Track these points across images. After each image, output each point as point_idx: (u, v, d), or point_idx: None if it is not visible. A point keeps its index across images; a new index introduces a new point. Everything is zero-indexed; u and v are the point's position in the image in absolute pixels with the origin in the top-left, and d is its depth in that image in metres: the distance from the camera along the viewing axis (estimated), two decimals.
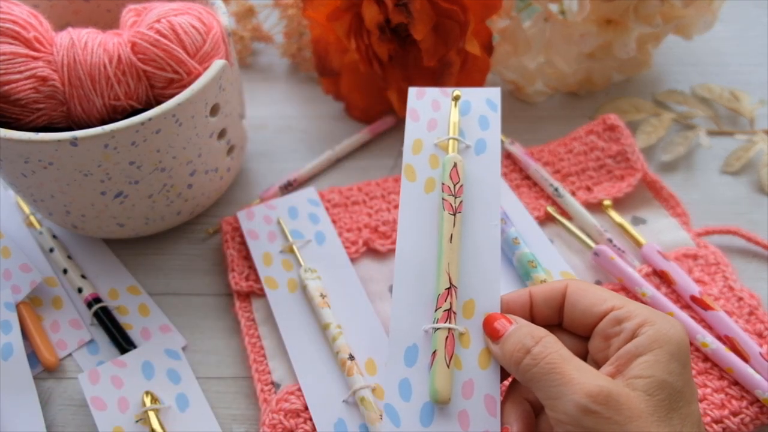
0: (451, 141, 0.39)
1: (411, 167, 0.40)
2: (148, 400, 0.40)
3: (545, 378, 0.30)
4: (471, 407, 0.34)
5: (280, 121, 0.59)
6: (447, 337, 0.34)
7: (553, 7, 0.55)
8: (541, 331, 0.32)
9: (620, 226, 0.49)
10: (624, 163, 0.51)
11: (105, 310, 0.45)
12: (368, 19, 0.50)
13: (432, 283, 0.36)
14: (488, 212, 0.38)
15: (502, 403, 0.34)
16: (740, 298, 0.44)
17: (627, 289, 0.45)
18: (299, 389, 0.41)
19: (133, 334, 0.45)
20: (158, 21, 0.42)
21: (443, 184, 0.38)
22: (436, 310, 0.35)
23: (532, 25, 0.56)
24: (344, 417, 0.40)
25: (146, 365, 0.42)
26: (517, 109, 0.60)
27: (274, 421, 0.40)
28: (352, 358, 0.41)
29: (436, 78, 0.54)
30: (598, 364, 0.32)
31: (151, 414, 0.40)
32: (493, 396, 0.34)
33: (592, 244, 0.47)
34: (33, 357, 0.43)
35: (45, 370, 0.43)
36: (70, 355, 0.44)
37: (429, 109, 0.41)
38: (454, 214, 0.37)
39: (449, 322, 0.34)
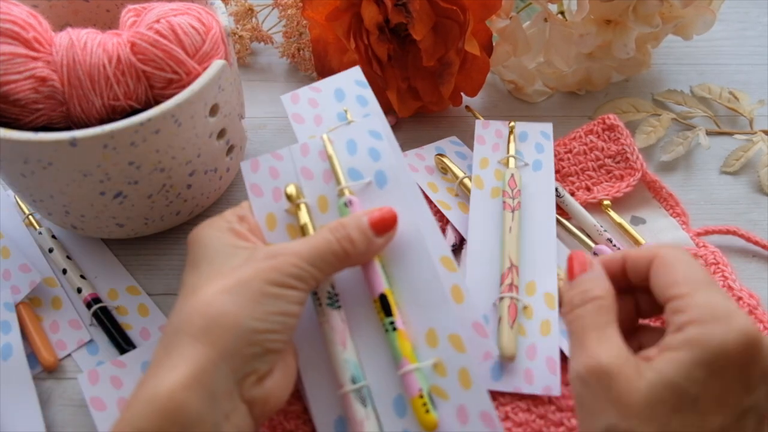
0: (510, 158, 0.50)
1: (479, 178, 0.50)
2: None
3: (574, 336, 0.32)
4: (535, 367, 0.40)
5: (280, 121, 0.59)
6: (509, 305, 0.42)
7: (553, 7, 0.55)
8: (596, 291, 0.33)
9: (619, 225, 0.49)
10: (623, 163, 0.51)
11: (104, 311, 0.45)
12: (368, 19, 0.50)
13: (497, 267, 0.44)
14: (545, 213, 0.47)
15: None
16: (740, 298, 0.44)
17: None
18: (297, 391, 0.41)
19: (133, 334, 0.45)
20: (157, 21, 0.42)
21: (503, 190, 0.48)
22: (500, 285, 0.43)
23: (532, 25, 0.56)
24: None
25: (145, 366, 0.42)
26: (517, 109, 0.60)
27: (274, 422, 0.40)
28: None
29: (435, 78, 0.54)
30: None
31: None
32: (553, 358, 0.41)
33: (592, 244, 0.47)
34: (32, 357, 0.43)
35: (44, 370, 0.43)
36: (69, 355, 0.44)
37: (493, 136, 0.52)
38: (513, 212, 0.47)
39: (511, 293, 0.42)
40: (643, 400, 0.29)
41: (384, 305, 0.37)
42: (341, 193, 0.39)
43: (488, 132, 0.52)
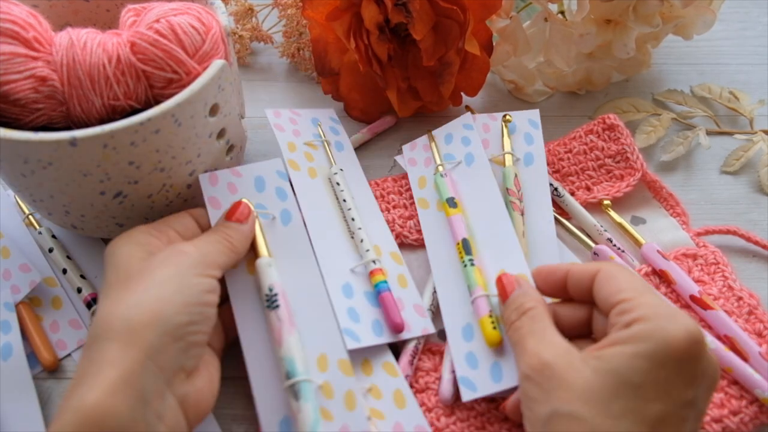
0: (506, 155, 0.50)
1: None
2: None
3: (515, 346, 0.36)
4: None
5: None
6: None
7: (553, 7, 0.55)
8: (530, 302, 0.37)
9: (620, 225, 0.49)
10: (623, 162, 0.51)
11: None
12: (368, 19, 0.50)
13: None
14: (543, 214, 0.47)
15: None
16: (740, 298, 0.44)
17: None
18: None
19: None
20: (157, 21, 0.42)
21: (508, 189, 0.48)
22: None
23: (532, 24, 0.56)
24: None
25: None
26: (517, 109, 0.59)
27: None
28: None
29: (435, 78, 0.54)
30: None
31: None
32: None
33: (592, 244, 0.47)
34: (32, 357, 0.43)
35: (44, 370, 0.43)
36: (69, 355, 0.44)
37: (480, 131, 0.52)
38: (522, 214, 0.47)
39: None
40: (586, 385, 0.31)
41: (465, 247, 0.45)
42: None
43: (476, 126, 0.52)
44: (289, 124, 0.52)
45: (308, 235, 0.45)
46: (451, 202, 0.47)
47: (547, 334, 0.35)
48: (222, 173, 0.45)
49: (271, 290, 0.40)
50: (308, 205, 0.47)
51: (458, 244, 0.45)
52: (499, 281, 0.40)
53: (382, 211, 0.50)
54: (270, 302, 0.40)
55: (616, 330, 0.33)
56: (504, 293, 0.39)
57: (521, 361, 0.35)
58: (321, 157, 0.51)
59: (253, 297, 0.42)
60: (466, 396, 0.39)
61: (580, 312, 0.38)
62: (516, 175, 0.48)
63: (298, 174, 0.49)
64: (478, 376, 0.40)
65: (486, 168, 0.49)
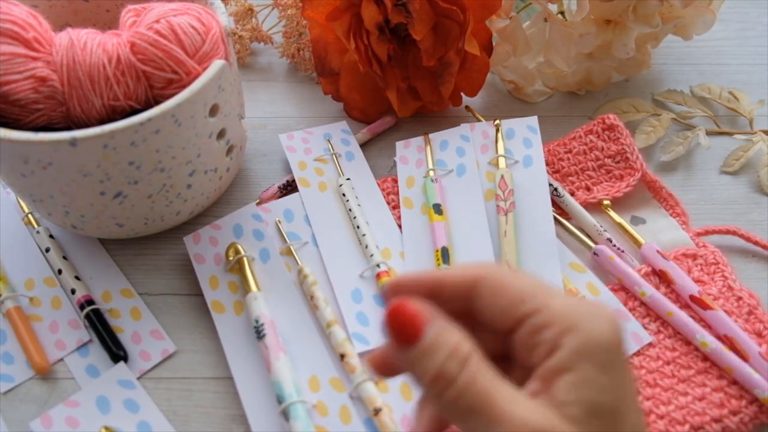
0: (499, 158, 0.50)
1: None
2: None
3: (473, 413, 0.25)
4: None
5: (280, 121, 0.59)
6: None
7: (553, 7, 0.55)
8: (465, 346, 0.26)
9: (619, 225, 0.49)
10: (623, 162, 0.51)
11: (97, 313, 0.45)
12: (367, 19, 0.50)
13: None
14: (542, 211, 0.47)
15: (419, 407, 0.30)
16: (739, 298, 0.44)
17: (626, 289, 0.45)
18: None
19: (124, 338, 0.44)
20: (157, 21, 0.42)
21: (495, 193, 0.49)
22: None
23: (532, 25, 0.56)
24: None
25: (100, 401, 0.41)
26: (517, 109, 0.60)
27: None
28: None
29: (435, 78, 0.54)
30: (523, 370, 0.27)
31: None
32: None
33: (592, 244, 0.47)
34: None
35: (37, 374, 0.43)
36: (68, 356, 0.44)
37: (480, 137, 0.53)
38: (506, 215, 0.47)
39: None
40: None
41: (444, 255, 0.45)
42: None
43: (475, 134, 0.53)
44: (301, 144, 0.54)
45: (320, 253, 0.48)
46: (437, 209, 0.48)
47: (506, 387, 0.25)
48: (204, 230, 0.48)
49: (257, 321, 0.42)
50: (317, 219, 0.49)
51: (437, 251, 0.46)
52: (393, 316, 0.26)
53: None
54: (258, 333, 0.42)
55: (546, 353, 0.26)
56: (406, 334, 0.26)
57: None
58: (331, 170, 0.53)
59: (242, 336, 0.43)
60: None
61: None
62: (503, 177, 0.49)
63: (308, 190, 0.51)
64: None
65: (476, 182, 0.50)
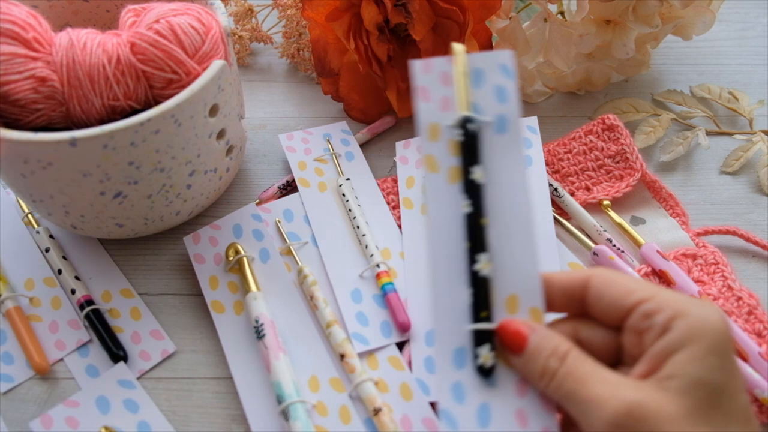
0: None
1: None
2: None
3: (572, 398, 0.29)
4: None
5: (280, 121, 0.59)
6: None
7: (553, 7, 0.55)
8: (564, 346, 0.30)
9: (619, 225, 0.49)
10: (623, 163, 0.51)
11: (97, 313, 0.45)
12: (367, 20, 0.50)
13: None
14: (541, 211, 0.45)
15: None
16: (739, 298, 0.44)
17: None
18: None
19: (124, 338, 0.44)
20: (157, 21, 0.42)
21: None
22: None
23: (531, 25, 0.56)
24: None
25: (100, 401, 0.41)
26: None
27: None
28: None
29: None
30: (634, 359, 0.30)
31: None
32: None
33: (592, 244, 0.47)
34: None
35: (37, 374, 0.43)
36: (67, 356, 0.44)
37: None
38: None
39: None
40: (686, 411, 0.27)
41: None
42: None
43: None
44: (301, 144, 0.54)
45: (320, 253, 0.47)
46: None
47: (604, 372, 0.29)
48: (204, 230, 0.48)
49: (257, 321, 0.42)
50: (317, 219, 0.49)
51: None
52: (504, 330, 0.31)
53: None
54: (258, 333, 0.42)
55: (657, 336, 0.29)
56: (517, 343, 0.31)
57: (595, 413, 0.28)
58: (331, 170, 0.53)
59: (241, 336, 0.43)
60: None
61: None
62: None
63: (307, 190, 0.51)
64: (434, 381, 0.41)
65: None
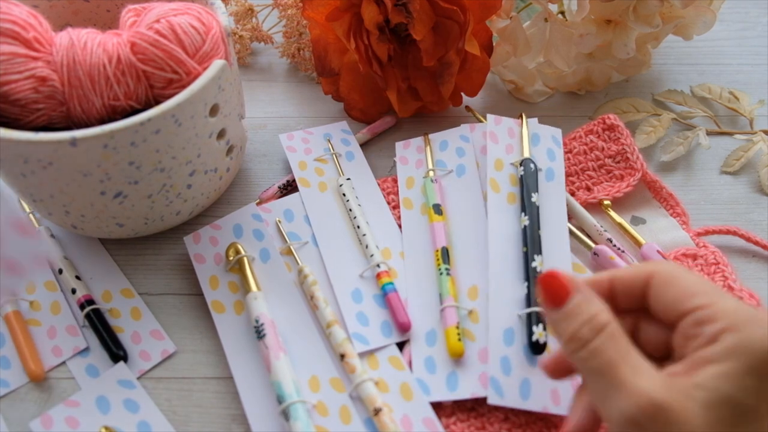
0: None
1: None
2: None
3: (598, 376, 0.28)
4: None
5: (280, 121, 0.59)
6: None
7: (553, 7, 0.55)
8: (603, 317, 0.29)
9: (620, 225, 0.49)
10: (623, 162, 0.51)
11: (97, 313, 0.45)
12: (367, 20, 0.50)
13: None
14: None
15: (577, 392, 0.33)
16: (740, 298, 0.44)
17: None
18: None
19: (124, 337, 0.44)
20: (157, 21, 0.42)
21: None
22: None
23: (532, 25, 0.56)
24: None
25: (100, 401, 0.41)
26: (517, 109, 0.60)
27: None
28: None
29: (435, 78, 0.54)
30: (681, 359, 0.30)
31: None
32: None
33: (592, 244, 0.47)
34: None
35: (31, 381, 0.43)
36: (63, 363, 0.43)
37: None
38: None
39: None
40: (706, 425, 0.26)
41: (444, 255, 0.45)
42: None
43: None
44: (301, 144, 0.54)
45: (320, 253, 0.47)
46: (437, 209, 0.48)
47: (637, 360, 0.28)
48: (204, 230, 0.48)
49: (257, 321, 0.42)
50: (317, 219, 0.49)
51: (437, 251, 0.45)
52: (546, 281, 0.31)
53: None
54: (258, 332, 0.42)
55: (702, 344, 0.28)
56: (554, 297, 0.30)
57: (617, 401, 0.27)
58: (331, 169, 0.53)
59: (242, 336, 0.43)
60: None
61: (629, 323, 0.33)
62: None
63: (308, 190, 0.51)
64: (434, 381, 0.41)
65: (475, 183, 0.50)
